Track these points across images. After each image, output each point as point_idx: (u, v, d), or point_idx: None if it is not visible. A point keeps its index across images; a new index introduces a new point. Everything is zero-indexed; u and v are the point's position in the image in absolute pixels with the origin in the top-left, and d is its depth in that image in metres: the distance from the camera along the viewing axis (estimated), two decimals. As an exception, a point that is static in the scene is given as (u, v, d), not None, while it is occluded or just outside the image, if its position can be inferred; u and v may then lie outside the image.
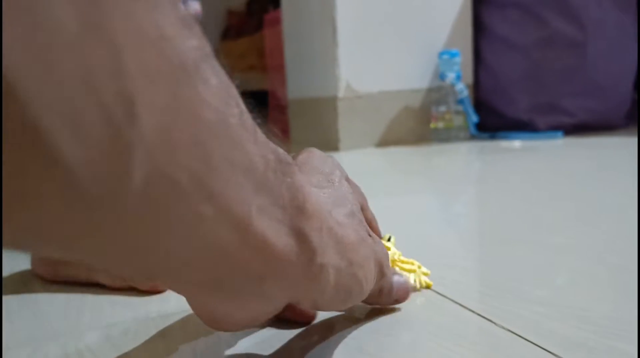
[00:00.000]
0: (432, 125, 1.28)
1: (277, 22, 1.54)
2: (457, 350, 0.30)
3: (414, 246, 0.51)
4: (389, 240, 0.34)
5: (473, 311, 0.35)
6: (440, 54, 1.26)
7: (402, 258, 0.38)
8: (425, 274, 0.38)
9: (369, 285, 0.26)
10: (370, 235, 0.27)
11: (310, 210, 0.21)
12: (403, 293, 0.35)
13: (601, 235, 0.51)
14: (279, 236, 0.19)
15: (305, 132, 1.40)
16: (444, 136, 1.25)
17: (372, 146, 1.26)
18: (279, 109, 1.60)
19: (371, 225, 0.33)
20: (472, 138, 1.27)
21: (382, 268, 0.28)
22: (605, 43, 1.24)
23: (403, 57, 1.28)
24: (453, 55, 1.24)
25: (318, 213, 0.21)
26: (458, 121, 1.25)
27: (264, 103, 1.91)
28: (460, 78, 1.24)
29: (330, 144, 1.26)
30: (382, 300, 0.33)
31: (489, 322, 0.33)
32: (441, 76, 1.25)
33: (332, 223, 0.23)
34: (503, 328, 0.32)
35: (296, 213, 0.20)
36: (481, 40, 1.32)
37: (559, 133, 1.21)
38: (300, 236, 0.20)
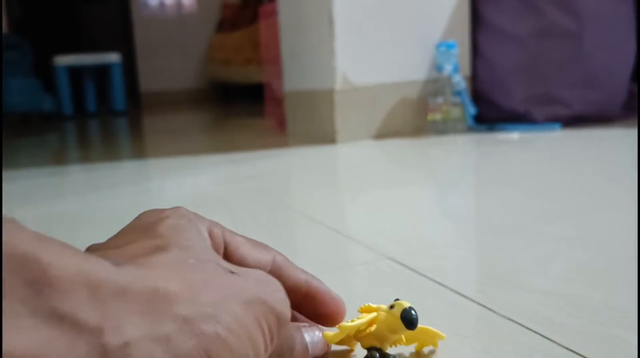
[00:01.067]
0: (429, 117, 1.27)
1: (272, 14, 1.53)
2: (457, 338, 0.31)
3: (412, 237, 0.51)
4: (391, 307, 0.27)
5: (472, 300, 0.35)
6: (438, 45, 1.25)
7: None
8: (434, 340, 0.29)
9: (247, 338, 0.20)
10: (232, 271, 0.22)
11: (59, 280, 0.16)
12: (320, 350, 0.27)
13: (598, 225, 0.51)
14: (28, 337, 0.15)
15: (301, 125, 1.39)
16: (441, 128, 1.25)
17: (369, 138, 1.26)
18: (275, 101, 1.59)
19: (236, 253, 0.26)
20: (470, 129, 1.27)
21: (275, 314, 0.21)
22: (602, 34, 1.24)
23: (400, 49, 1.27)
24: (450, 47, 1.24)
25: (72, 279, 0.17)
26: (455, 112, 1.24)
27: (259, 96, 1.90)
28: (457, 70, 1.23)
29: (327, 137, 1.25)
30: None
31: (488, 310, 0.34)
32: (438, 68, 1.25)
33: (123, 281, 0.18)
34: (502, 316, 0.33)
35: (35, 293, 0.16)
36: (478, 31, 1.31)
37: (557, 125, 1.21)
38: (55, 319, 0.16)
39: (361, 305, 0.28)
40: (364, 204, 0.66)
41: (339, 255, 0.48)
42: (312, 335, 0.27)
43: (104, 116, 3.00)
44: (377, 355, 0.26)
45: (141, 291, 0.19)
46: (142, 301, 0.18)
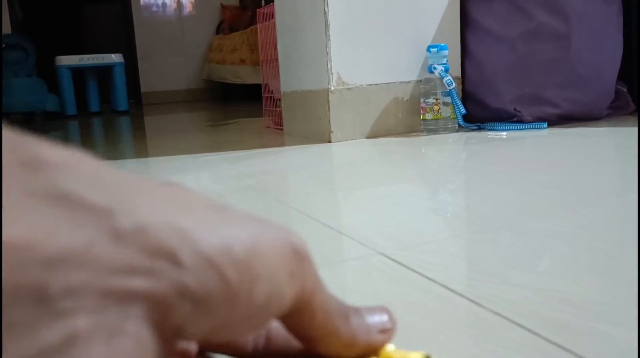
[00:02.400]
0: (421, 116, 1.30)
1: (270, 16, 1.56)
2: (446, 332, 0.32)
3: (404, 233, 0.54)
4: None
5: (461, 295, 0.38)
6: (429, 47, 1.28)
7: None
8: None
9: (272, 255, 0.19)
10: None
11: (59, 161, 0.16)
12: (376, 343, 0.23)
13: (584, 221, 0.54)
14: None
15: (298, 125, 1.42)
16: (432, 127, 1.28)
17: (363, 138, 1.29)
18: (272, 102, 1.62)
19: None
20: (460, 129, 1.30)
21: (291, 244, 0.20)
22: (589, 35, 1.27)
23: (393, 50, 1.30)
24: (441, 48, 1.27)
25: (73, 162, 0.16)
26: (446, 112, 1.27)
27: (257, 96, 1.92)
28: (448, 71, 1.26)
29: (322, 136, 1.28)
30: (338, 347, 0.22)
31: (477, 305, 0.36)
32: (429, 69, 1.28)
33: (133, 177, 0.18)
34: (490, 310, 0.35)
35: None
36: (468, 33, 1.34)
37: (544, 124, 1.24)
38: (58, 199, 0.15)
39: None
40: (357, 201, 0.69)
41: (333, 251, 0.51)
42: (377, 315, 0.24)
43: (107, 116, 3.01)
44: None
45: (155, 189, 0.18)
46: (152, 193, 0.17)
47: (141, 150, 1.41)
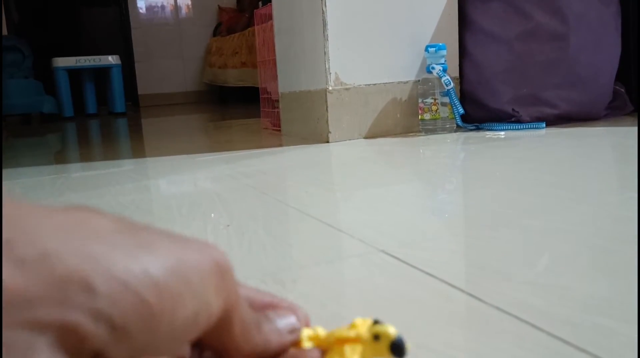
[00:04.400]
0: (419, 116, 1.30)
1: (267, 17, 1.56)
2: (447, 327, 0.32)
3: (403, 230, 0.54)
4: (375, 337, 0.25)
5: (462, 290, 0.38)
6: (427, 47, 1.28)
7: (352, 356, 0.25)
8: None
9: (195, 276, 0.19)
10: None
11: None
12: (287, 343, 0.25)
13: (583, 218, 0.54)
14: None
15: (295, 125, 1.42)
16: (430, 127, 1.28)
17: (361, 138, 1.29)
18: (270, 103, 1.62)
19: None
20: (458, 129, 1.30)
21: (215, 261, 0.20)
22: (587, 36, 1.27)
23: (391, 51, 1.30)
24: (439, 48, 1.27)
25: None
26: (444, 112, 1.27)
27: (255, 98, 1.92)
28: (446, 70, 1.26)
29: (320, 136, 1.28)
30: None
31: (478, 300, 0.36)
32: (428, 69, 1.28)
33: (43, 210, 0.17)
34: (491, 305, 0.35)
35: None
36: (466, 34, 1.35)
37: (542, 124, 1.24)
38: None
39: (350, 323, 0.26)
40: (356, 200, 0.69)
41: (332, 248, 0.51)
42: (284, 317, 0.25)
43: (104, 118, 3.01)
44: None
45: (61, 217, 0.17)
46: (59, 222, 0.17)
47: (139, 151, 1.41)
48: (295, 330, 0.25)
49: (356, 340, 0.25)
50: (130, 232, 0.19)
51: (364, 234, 0.53)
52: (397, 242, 0.50)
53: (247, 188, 0.80)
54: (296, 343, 0.25)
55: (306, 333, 0.26)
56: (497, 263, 0.43)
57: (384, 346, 0.24)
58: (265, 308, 0.26)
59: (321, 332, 0.27)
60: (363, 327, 0.25)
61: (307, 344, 0.26)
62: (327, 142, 1.25)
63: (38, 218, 0.17)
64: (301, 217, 0.62)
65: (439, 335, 0.31)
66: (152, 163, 1.13)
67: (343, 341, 0.25)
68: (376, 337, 0.24)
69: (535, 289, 0.37)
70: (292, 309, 0.26)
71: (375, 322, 0.25)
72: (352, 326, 0.25)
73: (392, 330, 0.24)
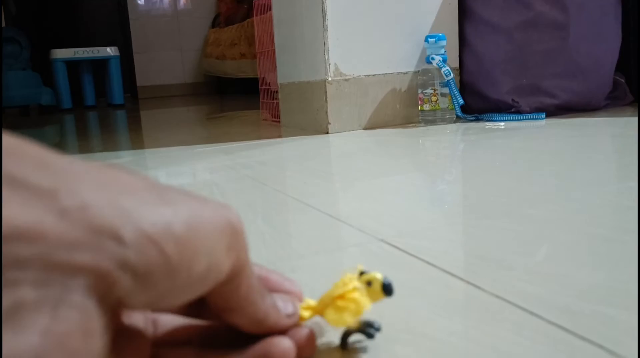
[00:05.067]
0: (419, 107, 1.30)
1: (266, 8, 1.55)
2: (447, 315, 0.32)
3: (403, 220, 0.54)
4: (368, 283, 0.28)
5: (462, 279, 0.38)
6: (427, 37, 1.28)
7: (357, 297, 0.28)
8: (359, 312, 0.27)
9: (208, 229, 0.20)
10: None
11: (6, 148, 0.17)
12: (283, 324, 0.26)
13: (582, 207, 0.54)
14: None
15: (295, 116, 1.42)
16: (430, 118, 1.28)
17: (360, 129, 1.29)
18: (269, 94, 1.62)
19: None
20: (458, 119, 1.30)
21: (228, 220, 0.22)
22: (588, 25, 1.27)
23: (390, 41, 1.30)
24: (439, 38, 1.26)
25: (21, 151, 0.18)
26: (444, 103, 1.27)
27: (253, 90, 1.92)
28: (446, 61, 1.26)
29: (319, 127, 1.28)
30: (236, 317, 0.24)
31: (478, 289, 0.36)
32: (427, 59, 1.27)
33: (78, 164, 0.19)
34: (491, 294, 0.35)
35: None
36: (466, 24, 1.34)
37: (542, 115, 1.24)
38: (5, 182, 0.17)
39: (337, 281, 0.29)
40: (356, 190, 0.69)
41: (332, 238, 0.51)
42: (284, 301, 0.27)
43: (102, 109, 3.00)
44: (374, 328, 0.28)
45: (96, 172, 0.19)
46: (95, 177, 0.19)
47: (137, 142, 1.41)
48: (293, 316, 0.27)
49: (354, 290, 0.28)
50: (156, 190, 0.20)
51: (364, 223, 0.53)
52: (396, 231, 0.50)
53: (246, 179, 0.80)
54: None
55: (301, 308, 0.28)
56: (497, 252, 0.42)
57: (377, 289, 0.28)
58: (270, 291, 0.27)
59: (312, 302, 0.29)
60: (353, 280, 0.28)
61: (306, 314, 0.28)
62: (327, 133, 1.25)
63: (78, 172, 0.18)
64: (300, 207, 0.62)
65: (438, 323, 0.31)
66: (151, 154, 1.13)
67: (342, 296, 0.28)
68: (369, 283, 0.28)
69: (534, 277, 0.37)
70: (291, 299, 0.27)
71: (362, 273, 0.29)
72: (343, 282, 0.28)
73: (379, 275, 0.28)
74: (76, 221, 0.17)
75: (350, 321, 0.26)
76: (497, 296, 0.34)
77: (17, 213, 0.16)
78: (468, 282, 0.37)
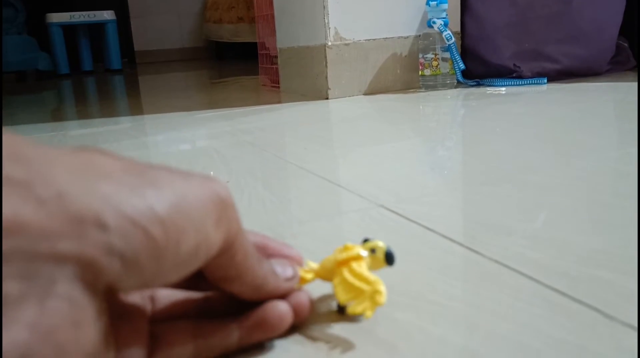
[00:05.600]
0: (419, 72, 1.28)
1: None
2: (446, 279, 0.33)
3: (403, 186, 0.54)
4: (372, 251, 0.28)
5: (461, 244, 0.38)
6: (428, 1, 1.25)
7: (363, 271, 0.28)
8: (377, 304, 0.26)
9: (194, 208, 0.20)
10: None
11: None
12: (283, 289, 0.26)
13: (582, 173, 0.54)
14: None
15: (294, 82, 1.40)
16: (431, 83, 1.27)
17: (361, 94, 1.27)
18: (268, 59, 1.59)
19: None
20: (459, 85, 1.28)
21: (216, 192, 0.21)
22: (592, -12, 1.24)
23: (391, 5, 1.27)
24: (441, 2, 1.24)
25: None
26: (445, 68, 1.25)
27: (252, 55, 1.89)
28: (447, 25, 1.24)
29: (319, 93, 1.27)
30: (237, 286, 0.24)
31: (477, 254, 0.36)
32: (429, 23, 1.25)
33: (51, 152, 0.18)
34: (490, 259, 0.35)
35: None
36: (469, -14, 1.31)
37: (544, 80, 1.23)
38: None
39: (339, 246, 0.29)
40: (356, 156, 0.69)
41: (332, 203, 0.51)
42: (280, 263, 0.27)
43: (100, 75, 2.97)
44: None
45: (71, 158, 0.18)
46: (69, 164, 0.18)
47: (136, 108, 1.40)
48: (292, 280, 0.27)
49: (358, 257, 0.28)
50: (135, 171, 0.20)
51: (363, 189, 0.53)
52: (396, 197, 0.50)
53: (245, 145, 0.80)
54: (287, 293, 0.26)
55: (302, 271, 0.29)
56: (496, 218, 0.43)
57: (380, 257, 0.28)
58: (267, 257, 0.27)
59: (314, 265, 0.29)
60: (355, 247, 0.28)
61: (308, 276, 0.29)
62: (327, 98, 1.24)
63: (51, 160, 0.18)
64: (300, 173, 0.62)
65: (438, 287, 0.32)
66: (150, 120, 1.12)
67: (345, 262, 0.28)
68: (372, 251, 0.28)
69: (534, 243, 0.37)
70: (288, 263, 0.27)
71: (366, 240, 0.29)
72: (346, 248, 0.28)
73: (382, 243, 0.28)
74: (55, 211, 0.16)
75: (370, 314, 0.25)
76: (497, 262, 0.34)
77: None
78: (467, 247, 0.37)
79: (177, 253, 0.19)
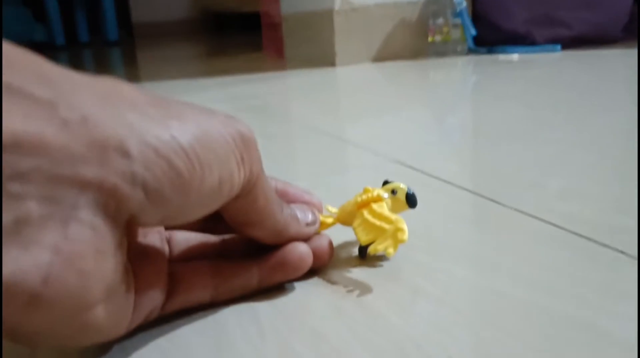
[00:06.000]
0: (429, 39, 1.26)
1: None
2: (467, 226, 0.32)
3: (417, 144, 0.53)
4: (393, 192, 0.28)
5: (481, 195, 0.37)
6: (439, -36, 1.22)
7: (384, 211, 0.27)
8: (399, 241, 0.25)
9: (219, 143, 0.19)
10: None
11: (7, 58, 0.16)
12: (304, 233, 0.26)
13: (600, 131, 0.53)
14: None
15: (300, 49, 1.38)
16: (441, 50, 1.24)
17: (369, 61, 1.26)
18: (273, 27, 1.57)
19: None
20: (470, 52, 1.26)
21: (239, 131, 0.20)
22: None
23: (401, -33, 1.24)
24: (452, -35, 1.21)
25: (23, 62, 0.16)
26: (456, 34, 1.23)
27: (255, 27, 1.86)
28: (458, -10, 1.21)
29: (326, 60, 1.25)
30: (259, 231, 0.24)
31: (495, 203, 0.35)
32: (439, -12, 1.22)
33: (76, 76, 0.18)
34: (509, 207, 0.34)
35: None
36: (481, -51, 1.28)
37: (557, 46, 1.21)
38: (6, 92, 0.15)
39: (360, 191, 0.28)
40: (367, 119, 0.68)
41: (346, 160, 0.50)
42: (301, 208, 0.26)
43: (97, 46, 2.94)
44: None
45: (96, 84, 0.18)
46: (95, 90, 0.17)
47: (134, 78, 1.38)
48: (314, 225, 0.26)
49: (378, 199, 0.27)
50: (161, 104, 0.19)
51: (378, 147, 0.52)
52: (411, 154, 0.49)
53: (252, 108, 0.79)
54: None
55: (322, 216, 0.28)
56: (515, 171, 0.42)
57: (401, 198, 0.27)
58: (289, 203, 0.27)
59: (333, 209, 0.29)
60: (375, 190, 0.28)
61: (329, 221, 0.28)
62: (334, 66, 1.22)
63: (77, 84, 0.17)
64: (311, 133, 0.61)
65: (458, 233, 0.31)
66: (151, 87, 1.11)
67: (365, 204, 0.27)
68: (393, 192, 0.28)
69: (555, 194, 0.36)
70: (310, 209, 0.27)
71: (386, 182, 0.28)
72: (366, 191, 0.28)
73: (403, 184, 0.28)
74: (78, 135, 0.16)
75: (392, 252, 0.24)
76: (517, 210, 0.34)
77: (18, 123, 0.15)
78: (488, 198, 0.37)
79: (201, 187, 0.18)
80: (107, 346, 0.22)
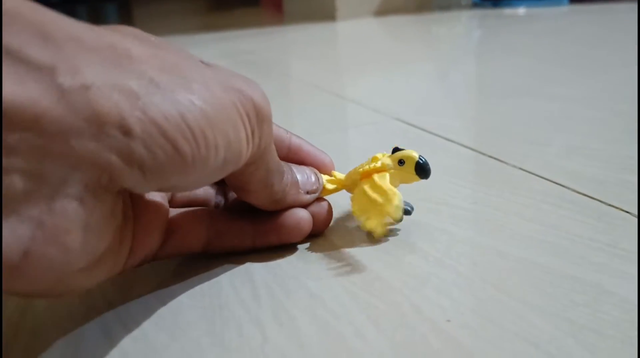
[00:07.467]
0: (432, -8, 1.22)
1: None
2: (471, 185, 0.31)
3: (419, 101, 0.52)
4: (400, 162, 0.25)
5: (484, 154, 0.36)
6: None
7: (384, 184, 0.24)
8: (392, 218, 0.23)
9: (225, 116, 0.18)
10: (207, 64, 0.20)
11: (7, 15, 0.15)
12: (301, 202, 0.25)
13: (606, 86, 0.52)
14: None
15: (299, 3, 1.34)
16: (445, 4, 1.21)
17: (370, 15, 1.22)
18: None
19: None
20: (474, 5, 1.23)
21: (254, 105, 0.19)
22: None
23: None
24: None
25: (24, 18, 0.15)
26: (460, -13, 1.19)
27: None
28: (464, -60, 1.16)
29: (326, 14, 1.21)
30: (261, 198, 0.23)
31: (500, 162, 0.34)
32: (444, -62, 1.18)
33: (79, 30, 0.16)
34: (514, 166, 0.33)
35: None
36: None
37: (564, 0, 1.17)
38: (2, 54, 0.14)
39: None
40: (368, 74, 0.66)
41: (346, 117, 0.49)
42: (305, 173, 0.25)
43: (92, 3, 2.87)
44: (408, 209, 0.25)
45: (99, 43, 0.16)
46: (101, 52, 0.16)
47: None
48: (314, 192, 0.26)
49: (382, 169, 0.25)
50: (173, 68, 0.17)
51: (377, 103, 0.51)
52: (412, 111, 0.48)
53: (248, 64, 0.77)
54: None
55: (326, 178, 0.27)
56: (520, 128, 0.41)
57: (409, 169, 0.24)
58: (300, 161, 0.26)
59: (339, 175, 0.27)
60: (384, 158, 0.25)
61: (329, 186, 0.27)
62: (334, 20, 1.19)
63: (82, 44, 0.15)
64: (309, 89, 0.60)
65: (461, 192, 0.30)
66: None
67: (368, 174, 0.25)
68: (401, 162, 0.24)
69: (560, 151, 0.36)
70: (313, 170, 0.26)
71: (396, 149, 0.25)
72: (374, 159, 0.26)
73: (414, 153, 0.24)
74: (76, 105, 0.15)
75: (380, 232, 0.22)
76: (521, 169, 0.33)
77: (10, 90, 0.13)
78: (490, 156, 0.36)
79: (204, 168, 0.17)
80: (99, 309, 0.21)
